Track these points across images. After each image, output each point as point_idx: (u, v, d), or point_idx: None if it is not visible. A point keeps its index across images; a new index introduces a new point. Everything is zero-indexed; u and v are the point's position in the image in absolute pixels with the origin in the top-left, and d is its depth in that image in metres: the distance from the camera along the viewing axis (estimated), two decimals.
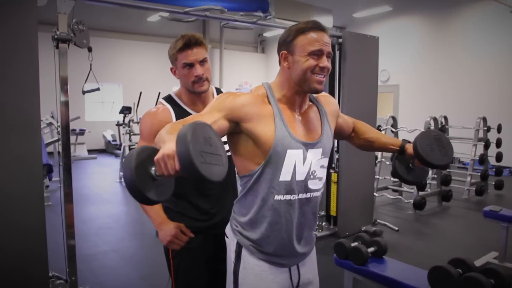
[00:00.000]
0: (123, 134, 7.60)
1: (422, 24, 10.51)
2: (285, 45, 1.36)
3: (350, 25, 11.90)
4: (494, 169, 6.66)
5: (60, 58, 2.80)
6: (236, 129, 1.33)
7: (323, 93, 1.51)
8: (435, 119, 5.79)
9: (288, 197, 1.36)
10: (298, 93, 1.38)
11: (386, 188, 6.20)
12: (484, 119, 6.68)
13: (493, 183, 6.57)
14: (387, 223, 4.78)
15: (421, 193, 5.58)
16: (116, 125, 9.61)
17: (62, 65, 2.82)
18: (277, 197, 1.35)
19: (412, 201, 5.48)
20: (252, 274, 1.41)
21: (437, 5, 10.01)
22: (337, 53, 4.26)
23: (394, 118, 6.16)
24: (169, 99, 1.79)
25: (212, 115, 1.29)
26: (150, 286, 3.29)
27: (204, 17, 3.23)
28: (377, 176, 5.76)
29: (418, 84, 10.54)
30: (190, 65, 1.68)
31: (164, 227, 1.59)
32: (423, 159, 1.50)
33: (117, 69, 12.17)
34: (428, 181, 5.75)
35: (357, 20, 11.60)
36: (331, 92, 4.40)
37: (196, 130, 0.99)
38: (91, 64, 3.01)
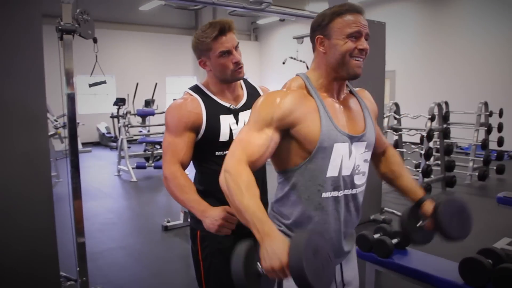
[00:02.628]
0: (120, 126, 7.44)
1: (419, 8, 10.42)
2: (320, 29, 1.27)
3: None
4: (495, 154, 6.65)
5: (65, 50, 2.69)
6: (284, 134, 1.26)
7: (363, 89, 1.45)
8: (439, 105, 5.73)
9: (335, 193, 1.28)
10: (336, 79, 1.29)
11: None
12: (486, 104, 6.64)
13: (495, 167, 6.51)
14: (394, 211, 4.74)
15: (426, 179, 5.55)
16: (111, 117, 9.44)
17: (67, 57, 2.71)
18: (324, 195, 1.27)
19: None
20: None
21: None
22: None
23: (397, 105, 6.11)
24: (196, 89, 1.69)
25: (263, 133, 1.23)
26: (163, 284, 3.21)
27: (212, 4, 3.11)
28: None
29: (416, 70, 10.48)
30: (228, 52, 1.60)
31: (211, 213, 1.47)
32: (443, 230, 1.39)
33: (110, 60, 11.90)
34: (431, 167, 5.71)
35: None
36: None
37: (308, 247, 1.03)
38: (96, 56, 2.88)
